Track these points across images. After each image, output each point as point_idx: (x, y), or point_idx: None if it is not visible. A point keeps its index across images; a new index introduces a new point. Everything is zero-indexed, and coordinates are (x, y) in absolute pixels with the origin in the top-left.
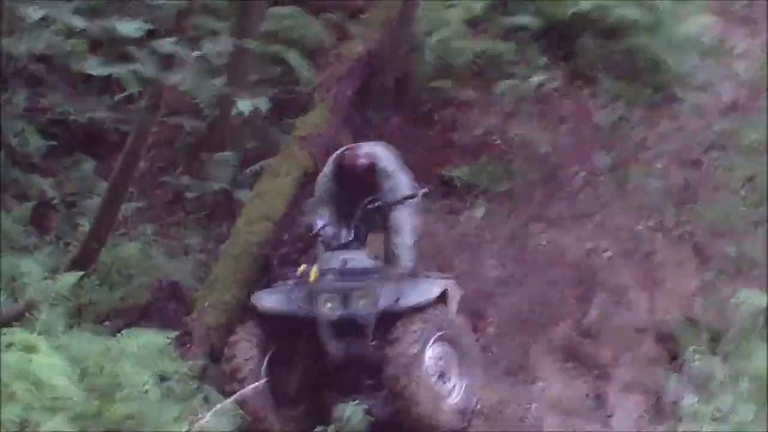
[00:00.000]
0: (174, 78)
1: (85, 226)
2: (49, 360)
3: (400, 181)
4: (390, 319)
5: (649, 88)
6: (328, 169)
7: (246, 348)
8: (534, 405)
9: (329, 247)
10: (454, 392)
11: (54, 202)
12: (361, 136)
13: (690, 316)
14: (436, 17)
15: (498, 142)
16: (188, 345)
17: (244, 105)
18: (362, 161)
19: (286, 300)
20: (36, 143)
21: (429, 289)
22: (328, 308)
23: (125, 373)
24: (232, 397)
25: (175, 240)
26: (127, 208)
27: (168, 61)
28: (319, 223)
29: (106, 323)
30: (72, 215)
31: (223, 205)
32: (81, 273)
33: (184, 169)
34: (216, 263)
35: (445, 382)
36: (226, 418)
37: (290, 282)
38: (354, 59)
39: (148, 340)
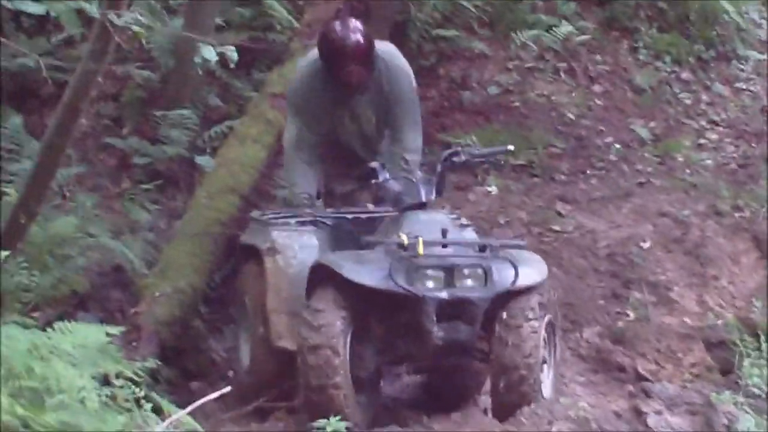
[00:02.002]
0: (123, 18)
1: (11, 195)
2: None
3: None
4: (502, 299)
5: (701, 42)
6: (304, 64)
7: (333, 321)
8: (556, 425)
9: (400, 206)
10: (547, 386)
11: None
12: None
13: (747, 320)
14: None
15: (516, 104)
16: (135, 342)
17: (209, 52)
18: (358, 33)
19: (382, 273)
20: None
21: (539, 264)
22: (435, 288)
23: (58, 376)
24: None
25: (121, 215)
26: (63, 174)
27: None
28: (383, 174)
29: (36, 314)
30: None
31: (180, 173)
32: (5, 253)
33: (132, 129)
34: (169, 244)
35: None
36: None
37: (377, 247)
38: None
39: (86, 336)
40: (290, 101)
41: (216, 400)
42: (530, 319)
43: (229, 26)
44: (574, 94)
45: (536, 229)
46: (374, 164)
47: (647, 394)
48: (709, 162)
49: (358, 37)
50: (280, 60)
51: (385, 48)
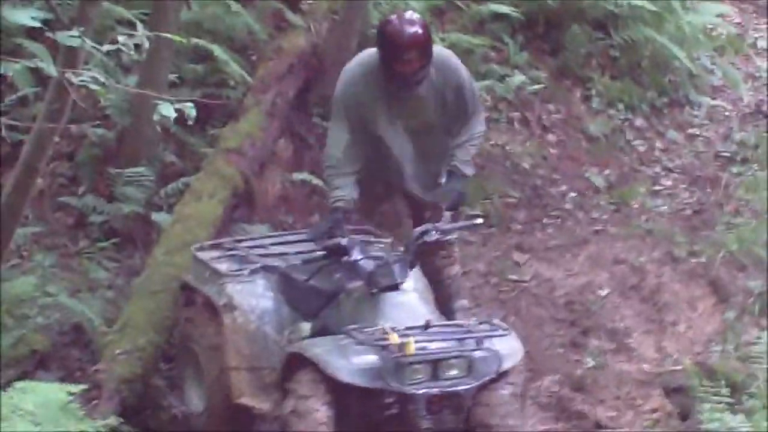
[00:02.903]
0: (81, 77)
1: None
2: None
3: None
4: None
5: (654, 89)
6: (353, 66)
7: (317, 408)
8: None
9: (374, 288)
10: None
11: None
12: (303, 148)
13: (705, 365)
14: (392, 5)
15: None
16: (96, 401)
17: (167, 109)
18: (417, 23)
19: (367, 371)
20: None
21: (514, 343)
22: (423, 383)
23: None
24: None
25: (79, 274)
26: (20, 234)
27: (72, 57)
28: (355, 252)
29: None
30: None
31: (136, 231)
32: None
33: (88, 187)
34: (128, 302)
35: None
36: None
37: (358, 340)
38: (296, 55)
39: (47, 396)
40: (339, 104)
41: None
42: (512, 397)
43: (183, 82)
44: (528, 144)
45: (493, 279)
46: (344, 241)
47: None
48: (664, 208)
49: (417, 28)
50: (234, 116)
51: (439, 50)
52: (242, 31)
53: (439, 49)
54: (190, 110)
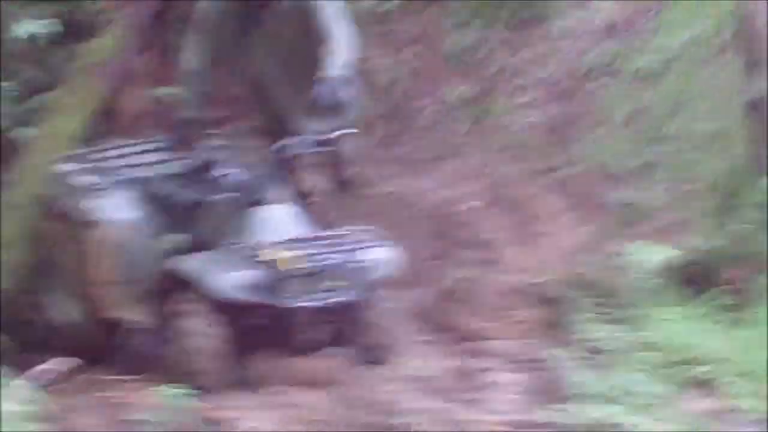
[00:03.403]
0: None
1: None
2: None
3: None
4: None
5: (509, 8)
6: None
7: (202, 329)
8: (390, 384)
9: (243, 202)
10: None
11: None
12: (162, 65)
13: (573, 276)
14: None
15: None
16: None
17: (25, 26)
18: None
19: (244, 287)
20: None
21: (390, 253)
22: (297, 296)
23: None
24: None
25: None
26: None
27: None
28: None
29: None
30: None
31: (1, 146)
32: None
33: None
34: None
35: None
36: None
37: (235, 252)
38: None
39: None
40: (197, 21)
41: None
42: (385, 309)
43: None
44: (385, 59)
45: (357, 192)
46: (207, 156)
47: (479, 353)
48: (523, 122)
49: None
50: (94, 30)
51: None
52: None
53: None
54: (52, 27)
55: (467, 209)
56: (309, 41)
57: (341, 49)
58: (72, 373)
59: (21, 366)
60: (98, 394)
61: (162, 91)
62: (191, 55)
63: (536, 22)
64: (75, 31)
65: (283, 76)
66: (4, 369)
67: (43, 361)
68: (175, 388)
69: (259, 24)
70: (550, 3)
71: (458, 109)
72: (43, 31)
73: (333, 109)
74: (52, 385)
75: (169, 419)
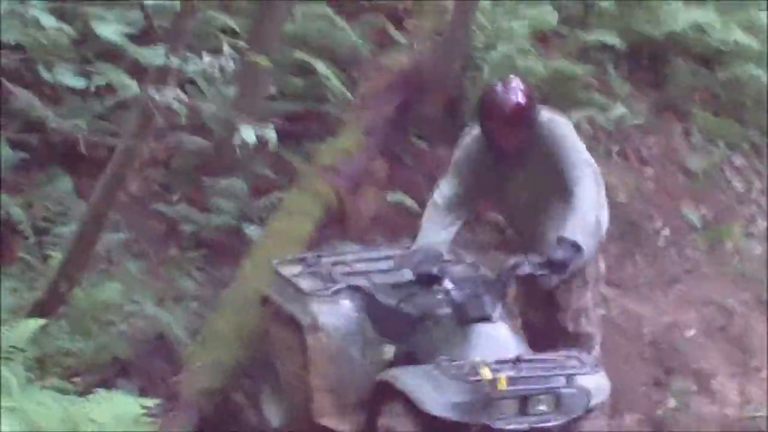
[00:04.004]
0: (165, 95)
1: (56, 258)
2: (3, 420)
3: (577, 148)
4: None
5: (755, 128)
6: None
7: None
8: None
9: (464, 319)
10: None
11: (21, 226)
12: (399, 168)
13: None
14: (497, 27)
15: None
16: (173, 412)
17: (248, 133)
18: (519, 94)
19: (458, 405)
20: (2, 153)
21: (602, 380)
22: (509, 419)
23: None
24: None
25: (166, 282)
26: (110, 240)
27: (159, 71)
28: (446, 280)
29: (76, 380)
30: (43, 244)
31: (227, 243)
32: (43, 321)
33: (181, 196)
34: (213, 314)
35: None
36: None
37: (449, 373)
38: (397, 73)
39: (122, 406)
40: (454, 162)
41: None
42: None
43: (283, 96)
44: (624, 177)
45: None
46: (436, 270)
47: None
48: (759, 251)
49: (518, 100)
50: (332, 132)
51: (549, 116)
52: (345, 46)
53: (548, 117)
54: (271, 137)
55: (686, 337)
56: (555, 195)
57: (583, 213)
58: None
59: None
60: None
61: (395, 197)
62: (441, 191)
63: None
64: (311, 130)
65: (527, 222)
66: None
67: None
68: None
69: (512, 171)
70: None
71: (694, 232)
72: (270, 136)
73: (560, 269)
74: None
75: None
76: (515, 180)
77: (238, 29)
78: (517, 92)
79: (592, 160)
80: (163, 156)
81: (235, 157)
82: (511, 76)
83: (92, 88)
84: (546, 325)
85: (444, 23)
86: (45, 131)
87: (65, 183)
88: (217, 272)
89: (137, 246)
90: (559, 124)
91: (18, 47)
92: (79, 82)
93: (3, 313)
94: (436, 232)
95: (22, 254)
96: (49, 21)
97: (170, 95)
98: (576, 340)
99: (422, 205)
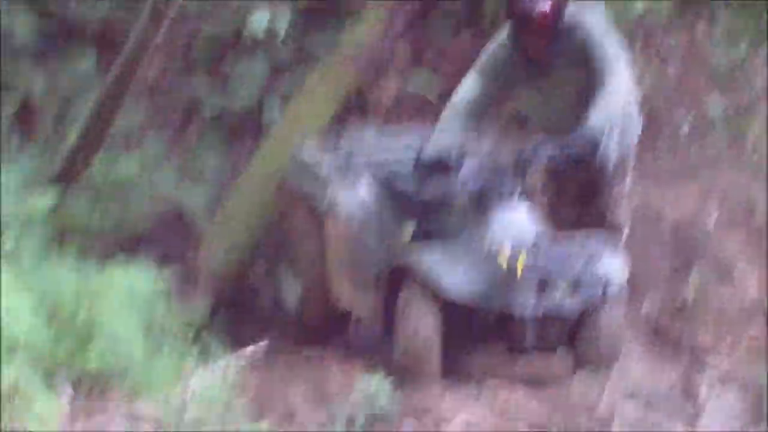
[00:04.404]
0: None
1: (75, 133)
2: (11, 294)
3: (610, 40)
4: None
5: None
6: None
7: (427, 327)
8: (606, 395)
9: (482, 199)
10: None
11: (44, 99)
12: (419, 60)
13: None
14: None
15: None
16: (190, 288)
17: (259, 20)
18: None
19: (475, 287)
20: (28, 25)
21: (621, 264)
22: (527, 303)
23: (105, 318)
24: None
25: (185, 162)
26: (128, 120)
27: None
28: (466, 164)
29: (93, 252)
30: (64, 118)
31: (247, 124)
32: (62, 190)
33: (203, 77)
34: (231, 194)
35: None
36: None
37: (470, 250)
38: None
39: (138, 280)
40: (479, 65)
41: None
42: (612, 320)
43: None
44: (647, 71)
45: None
46: (455, 154)
47: (702, 368)
48: None
49: (545, 5)
50: (353, 17)
51: (577, 10)
52: None
53: (577, 13)
54: (280, 25)
55: (707, 227)
56: (588, 83)
57: (614, 94)
58: (283, 353)
59: (235, 341)
60: (306, 374)
61: (415, 82)
62: (465, 91)
63: None
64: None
65: (554, 116)
66: (216, 344)
67: (257, 340)
68: (388, 376)
69: (540, 69)
70: None
71: (717, 125)
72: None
73: (583, 153)
74: (259, 362)
75: (375, 405)
76: (546, 82)
77: None
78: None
79: (624, 51)
80: (182, 41)
81: (254, 41)
82: None
83: None
84: (579, 214)
85: None
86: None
87: (88, 60)
88: (237, 153)
89: (156, 127)
90: (590, 16)
91: None
92: None
93: (20, 185)
94: (453, 135)
95: (43, 129)
96: None
97: None
98: (609, 229)
99: (442, 94)
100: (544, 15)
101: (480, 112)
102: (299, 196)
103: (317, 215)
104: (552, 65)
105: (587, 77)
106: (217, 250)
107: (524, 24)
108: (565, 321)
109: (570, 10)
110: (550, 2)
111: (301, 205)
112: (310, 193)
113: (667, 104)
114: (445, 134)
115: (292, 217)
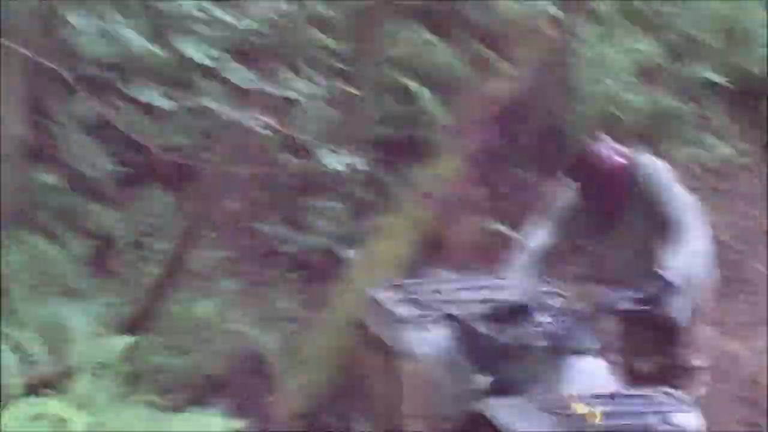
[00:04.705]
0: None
1: (151, 274)
2: None
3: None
4: None
5: None
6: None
7: None
8: None
9: (560, 351)
10: None
11: (121, 240)
12: (498, 197)
13: None
14: (598, 59)
15: None
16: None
17: (337, 161)
18: (613, 158)
19: None
20: (103, 167)
21: (696, 420)
22: None
23: None
24: None
25: (262, 302)
26: (207, 258)
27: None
28: (541, 312)
29: (168, 397)
30: (142, 259)
31: (325, 265)
32: (135, 338)
33: (281, 216)
34: (309, 336)
35: None
36: None
37: (544, 401)
38: (500, 102)
39: (210, 426)
40: (554, 211)
41: None
42: None
43: (383, 120)
44: (725, 217)
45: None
46: (530, 301)
47: None
48: None
49: (612, 163)
50: (429, 157)
51: (646, 164)
52: (444, 70)
53: (645, 168)
54: (359, 164)
55: None
56: (658, 237)
57: (687, 245)
58: None
59: None
60: None
61: (492, 225)
62: (539, 238)
63: None
64: (407, 153)
65: (629, 268)
66: None
67: None
68: None
69: (612, 223)
70: None
71: None
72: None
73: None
74: None
75: None
76: (616, 235)
77: (336, 49)
78: (611, 155)
79: (694, 204)
80: (263, 176)
81: (333, 179)
82: (602, 135)
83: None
84: (653, 366)
85: (545, 52)
86: (148, 148)
87: (166, 199)
88: (315, 294)
89: (234, 265)
90: (657, 172)
91: (113, 65)
92: (163, 102)
93: (95, 328)
94: (529, 282)
95: (118, 269)
96: (140, 41)
97: (259, 121)
98: (690, 376)
99: (517, 239)
100: (614, 171)
101: (554, 261)
102: (375, 339)
103: (393, 358)
104: (623, 217)
105: (658, 228)
106: (292, 393)
107: (595, 183)
108: None
109: (634, 162)
110: (617, 157)
111: (378, 348)
112: (387, 336)
113: (743, 253)
114: (521, 281)
115: (368, 360)
